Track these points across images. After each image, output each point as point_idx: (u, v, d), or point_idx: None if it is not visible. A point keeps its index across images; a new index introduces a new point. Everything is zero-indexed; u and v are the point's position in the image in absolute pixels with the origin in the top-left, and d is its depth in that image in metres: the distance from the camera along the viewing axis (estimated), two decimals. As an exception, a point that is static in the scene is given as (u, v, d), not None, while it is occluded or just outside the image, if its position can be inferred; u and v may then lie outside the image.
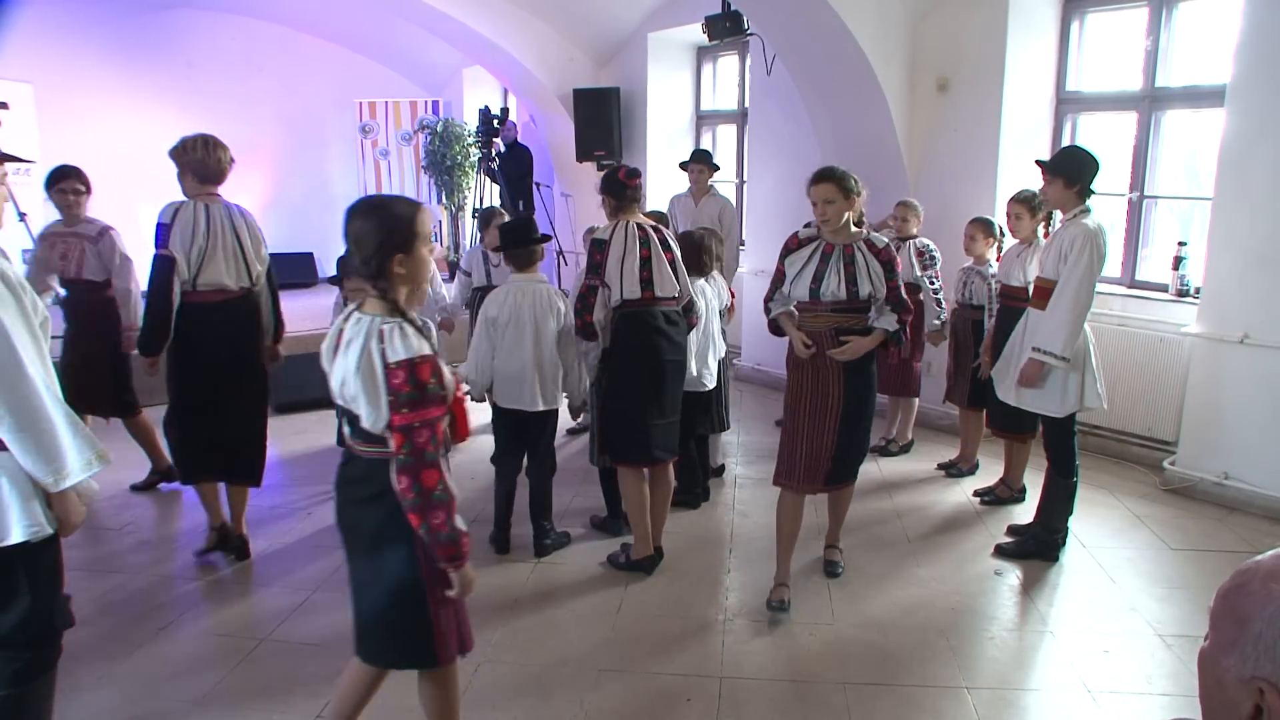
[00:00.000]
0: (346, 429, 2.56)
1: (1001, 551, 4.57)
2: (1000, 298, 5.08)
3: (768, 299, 4.09)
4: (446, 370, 2.43)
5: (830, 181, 3.81)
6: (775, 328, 4.13)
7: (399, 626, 2.61)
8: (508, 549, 4.59)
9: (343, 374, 2.42)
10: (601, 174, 4.43)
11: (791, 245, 3.98)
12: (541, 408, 4.46)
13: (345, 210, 2.49)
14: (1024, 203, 4.94)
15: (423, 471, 2.33)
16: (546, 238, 4.66)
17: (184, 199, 4.45)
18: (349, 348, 2.41)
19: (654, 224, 4.36)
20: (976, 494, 5.33)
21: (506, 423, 4.55)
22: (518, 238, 4.50)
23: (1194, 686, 1.12)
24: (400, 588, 2.55)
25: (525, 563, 4.51)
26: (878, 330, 3.89)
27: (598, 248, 4.21)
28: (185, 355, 4.35)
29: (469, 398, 4.70)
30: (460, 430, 2.61)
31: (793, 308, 4.01)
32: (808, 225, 3.99)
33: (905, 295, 3.93)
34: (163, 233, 4.33)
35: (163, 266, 4.29)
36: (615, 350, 4.29)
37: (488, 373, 4.45)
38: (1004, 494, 5.22)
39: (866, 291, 3.84)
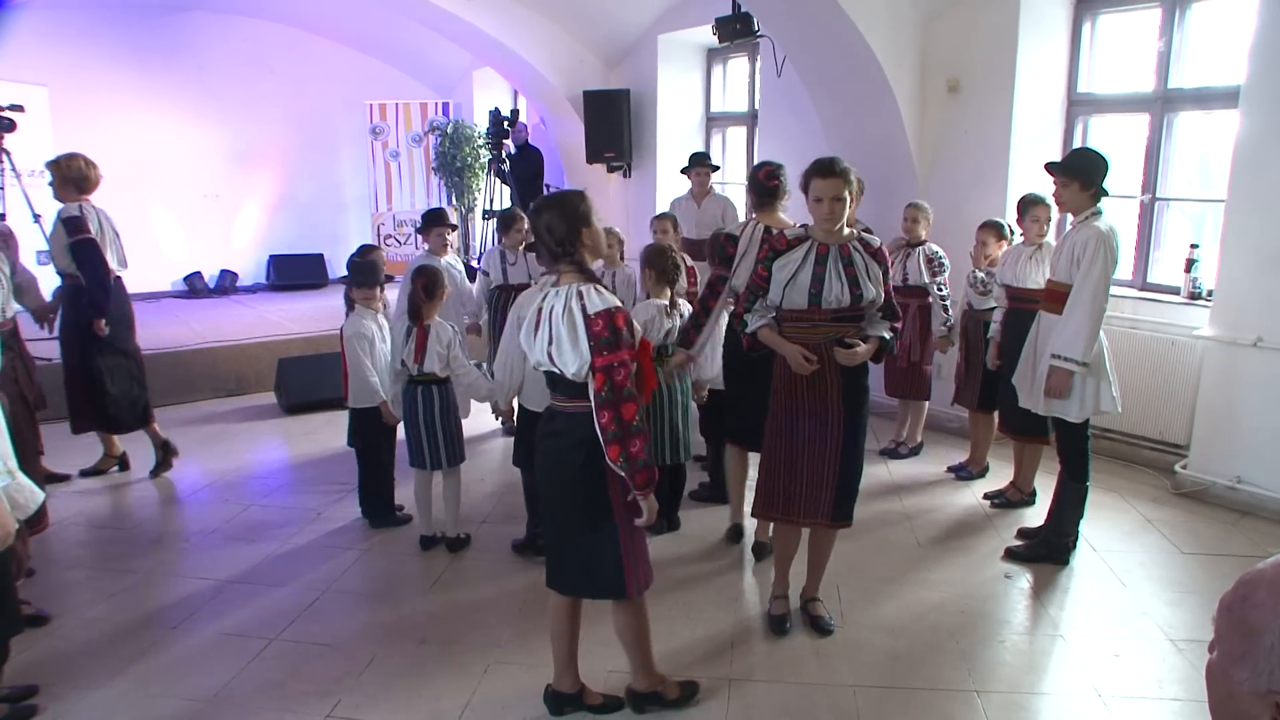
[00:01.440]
0: (549, 390, 3.09)
1: (1012, 555, 4.55)
2: (1009, 299, 5.04)
3: (743, 310, 3.70)
4: (637, 324, 2.93)
5: (840, 176, 3.47)
6: (753, 343, 3.72)
7: (594, 561, 3.04)
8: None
9: (547, 337, 2.90)
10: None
11: (779, 246, 3.55)
12: None
13: (529, 211, 3.05)
14: (1040, 204, 4.92)
15: (622, 405, 2.78)
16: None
17: (66, 204, 5.36)
18: (553, 312, 2.89)
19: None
20: (987, 497, 5.31)
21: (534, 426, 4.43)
22: None
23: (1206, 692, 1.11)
24: (595, 526, 3.00)
25: (533, 562, 4.50)
26: (873, 338, 3.60)
27: (730, 241, 4.30)
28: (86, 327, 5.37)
29: (495, 410, 4.66)
30: (649, 381, 2.89)
31: (772, 319, 3.66)
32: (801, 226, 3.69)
33: (896, 299, 3.84)
34: (78, 223, 5.28)
35: (92, 246, 5.30)
36: (736, 345, 4.27)
37: (518, 374, 4.30)
38: (1014, 497, 5.21)
39: (870, 295, 3.53)
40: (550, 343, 2.89)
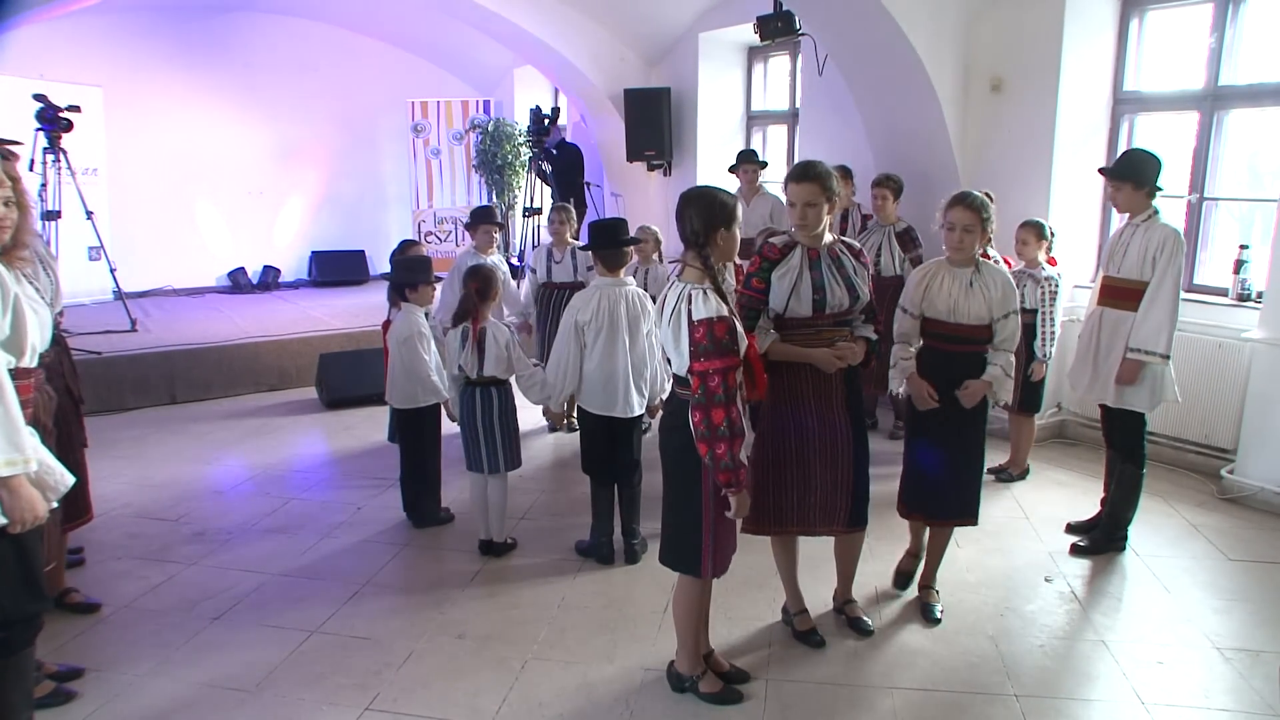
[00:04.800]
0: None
1: (1079, 550, 4.59)
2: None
3: (749, 329, 3.36)
4: (740, 327, 2.99)
5: (813, 181, 3.40)
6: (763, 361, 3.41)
7: (678, 536, 3.25)
8: (612, 557, 4.51)
9: (665, 331, 3.11)
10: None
11: (773, 256, 3.46)
12: (636, 413, 4.40)
13: (679, 199, 3.13)
14: (1032, 228, 5.09)
15: (712, 410, 2.90)
16: (636, 240, 4.62)
17: None
18: (667, 308, 3.09)
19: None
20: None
21: (597, 429, 4.44)
22: (608, 238, 4.41)
23: (1255, 702, 1.10)
24: (686, 504, 3.18)
25: (572, 561, 4.53)
26: (861, 339, 3.56)
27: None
28: None
29: (550, 409, 4.61)
30: (759, 385, 3.06)
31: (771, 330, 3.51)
32: (778, 232, 3.60)
33: None
34: None
35: None
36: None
37: (575, 378, 4.35)
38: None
39: (865, 297, 3.52)
40: (664, 337, 3.14)
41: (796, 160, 7.79)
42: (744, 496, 3.06)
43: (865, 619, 3.86)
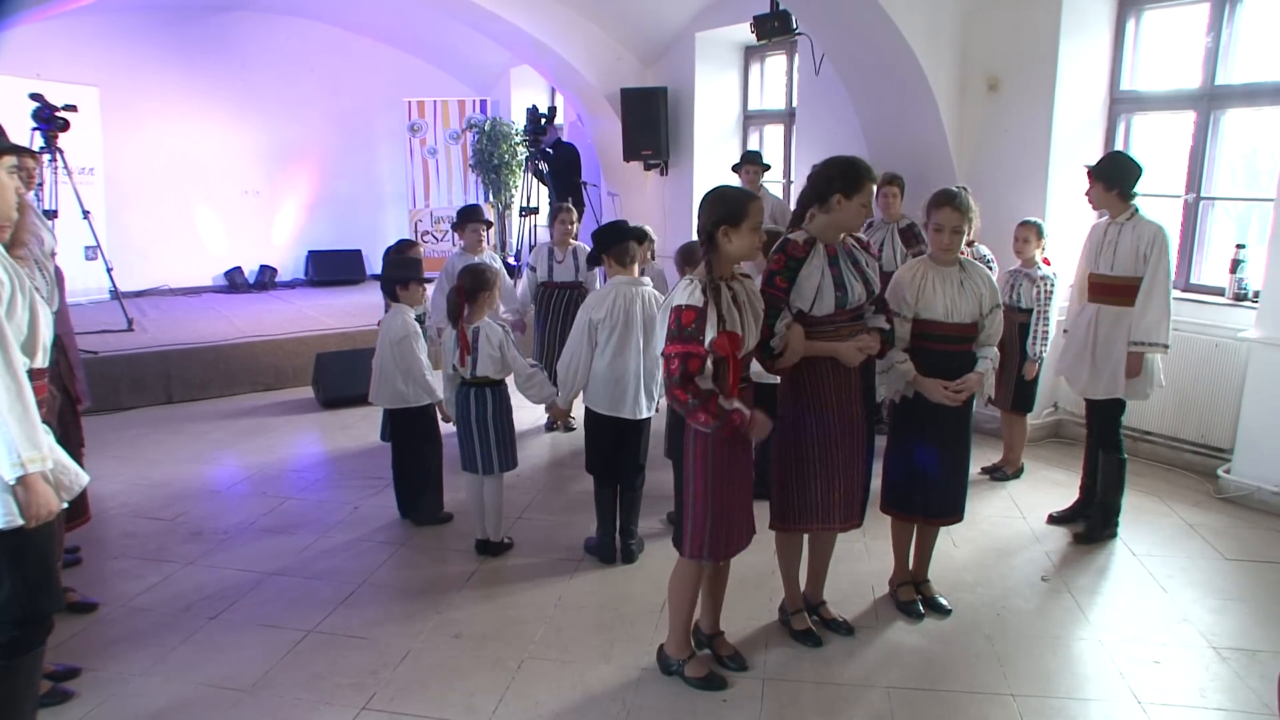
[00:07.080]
0: None
1: (1081, 539, 4.71)
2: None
3: (769, 327, 3.37)
4: (712, 320, 3.04)
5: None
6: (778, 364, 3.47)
7: (679, 514, 3.36)
8: (614, 557, 4.51)
9: None
10: None
11: (799, 254, 3.40)
12: (644, 415, 4.38)
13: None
14: (1033, 228, 5.30)
15: (675, 390, 3.05)
16: (642, 230, 4.65)
17: None
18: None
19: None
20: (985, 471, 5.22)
21: (603, 430, 4.41)
22: (613, 234, 4.41)
23: (1252, 701, 1.09)
24: (680, 487, 3.32)
25: (569, 561, 4.53)
26: (874, 330, 3.55)
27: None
28: None
29: (557, 406, 4.59)
30: (731, 381, 3.06)
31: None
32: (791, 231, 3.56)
33: None
34: None
35: None
36: None
37: (584, 376, 4.33)
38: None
39: (878, 289, 3.54)
40: None
41: (794, 160, 7.77)
42: (756, 417, 3.12)
43: (841, 619, 3.85)
